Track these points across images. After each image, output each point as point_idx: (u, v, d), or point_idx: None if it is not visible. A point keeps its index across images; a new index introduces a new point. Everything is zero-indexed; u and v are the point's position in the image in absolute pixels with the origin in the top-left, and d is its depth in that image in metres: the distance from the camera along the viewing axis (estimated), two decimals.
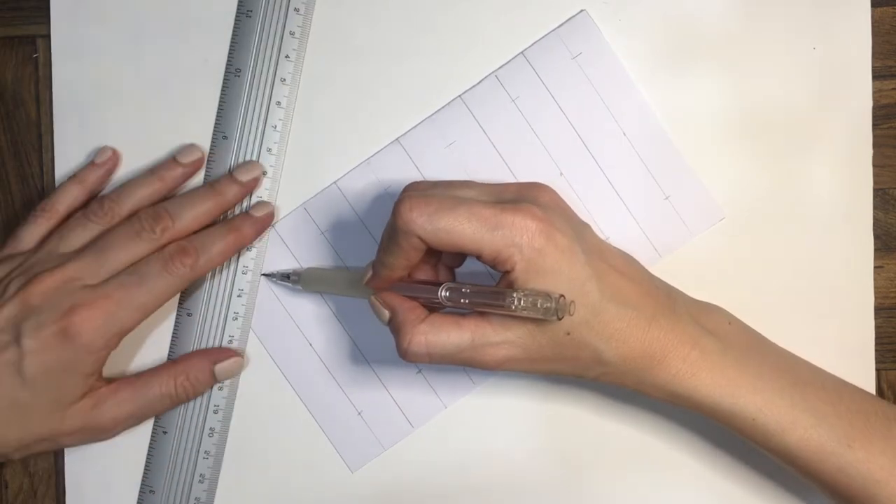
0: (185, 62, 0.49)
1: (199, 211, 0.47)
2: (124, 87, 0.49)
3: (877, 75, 0.49)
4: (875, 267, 0.49)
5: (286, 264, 0.49)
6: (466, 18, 0.49)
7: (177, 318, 0.50)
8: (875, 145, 0.49)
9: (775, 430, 0.42)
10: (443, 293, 0.41)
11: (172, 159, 0.48)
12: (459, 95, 0.49)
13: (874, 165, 0.49)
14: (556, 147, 0.49)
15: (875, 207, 0.49)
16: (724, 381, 0.42)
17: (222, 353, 0.49)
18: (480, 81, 0.49)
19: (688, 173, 0.49)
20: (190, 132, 0.49)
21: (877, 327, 0.49)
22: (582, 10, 0.49)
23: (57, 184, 0.49)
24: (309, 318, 0.50)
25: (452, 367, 0.49)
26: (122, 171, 0.49)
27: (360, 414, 0.50)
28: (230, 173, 0.48)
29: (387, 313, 0.43)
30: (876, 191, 0.49)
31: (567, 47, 0.48)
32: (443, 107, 0.49)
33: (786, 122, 0.49)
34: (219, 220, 0.49)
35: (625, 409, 0.49)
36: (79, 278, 0.44)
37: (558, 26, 0.49)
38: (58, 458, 0.50)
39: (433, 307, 0.43)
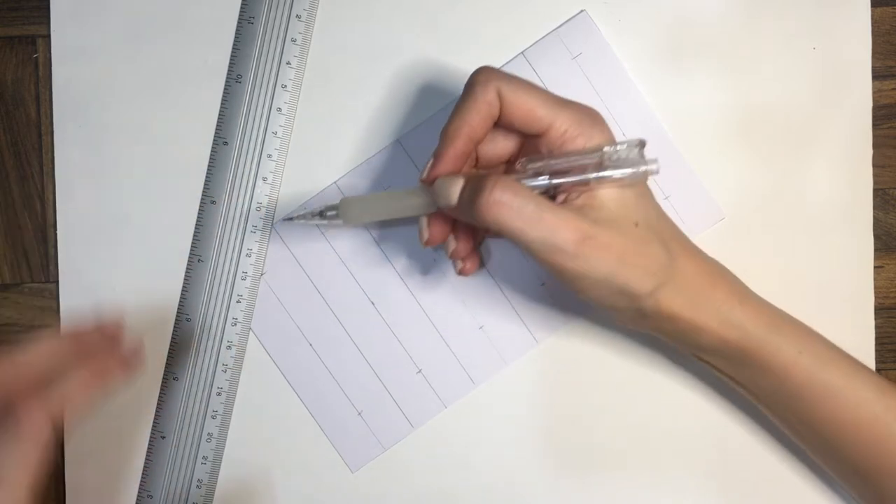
0: (185, 62, 0.49)
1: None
2: (124, 87, 0.49)
3: (877, 75, 0.49)
4: (875, 267, 0.49)
5: (286, 265, 0.49)
6: (466, 18, 0.49)
7: (175, 324, 0.50)
8: (875, 145, 0.49)
9: (819, 366, 0.42)
10: (529, 165, 0.40)
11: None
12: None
13: (874, 165, 0.49)
14: None
15: (875, 207, 0.49)
16: (769, 316, 0.43)
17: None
18: None
19: (688, 173, 0.49)
20: (190, 132, 0.49)
21: (877, 327, 0.49)
22: (582, 11, 0.49)
23: (56, 183, 0.49)
24: (309, 317, 0.50)
25: (452, 366, 0.49)
26: (126, 179, 0.49)
27: (360, 414, 0.49)
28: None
29: (460, 181, 0.40)
30: (876, 191, 0.49)
31: (567, 47, 0.48)
32: (443, 107, 0.49)
33: (786, 122, 0.49)
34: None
35: (625, 409, 0.49)
36: None
37: (558, 26, 0.49)
38: (58, 458, 0.50)
39: None
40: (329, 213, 0.45)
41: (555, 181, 0.40)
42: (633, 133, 0.48)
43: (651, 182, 0.48)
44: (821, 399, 0.43)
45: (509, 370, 0.49)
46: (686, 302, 0.41)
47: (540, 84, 0.48)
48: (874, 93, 0.49)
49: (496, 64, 0.49)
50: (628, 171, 0.39)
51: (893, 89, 0.49)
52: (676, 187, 0.49)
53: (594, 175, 0.39)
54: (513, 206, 0.38)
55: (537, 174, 0.40)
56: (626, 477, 0.49)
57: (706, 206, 0.49)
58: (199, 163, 0.49)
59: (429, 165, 0.42)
